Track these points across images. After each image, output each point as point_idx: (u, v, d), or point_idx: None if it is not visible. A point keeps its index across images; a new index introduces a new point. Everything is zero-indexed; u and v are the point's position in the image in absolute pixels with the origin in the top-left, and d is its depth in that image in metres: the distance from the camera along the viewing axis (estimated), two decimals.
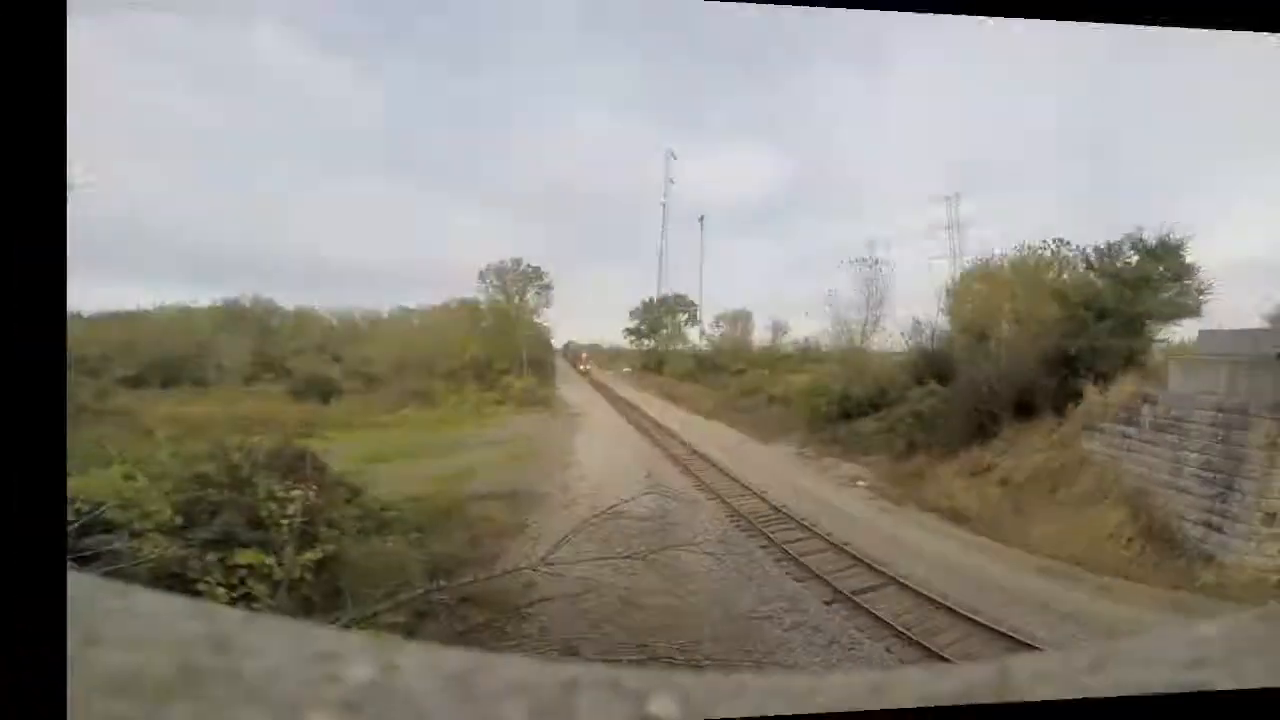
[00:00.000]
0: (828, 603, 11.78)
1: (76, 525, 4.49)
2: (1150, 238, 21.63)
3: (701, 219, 77.47)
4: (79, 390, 22.40)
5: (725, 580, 12.29)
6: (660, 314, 72.24)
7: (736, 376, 52.64)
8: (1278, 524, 12.84)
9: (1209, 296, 21.32)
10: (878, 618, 11.23)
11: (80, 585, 0.50)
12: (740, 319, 64.54)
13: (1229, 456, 13.94)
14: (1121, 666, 0.46)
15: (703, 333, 69.19)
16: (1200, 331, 19.41)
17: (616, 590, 9.64)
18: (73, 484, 4.73)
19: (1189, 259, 21.37)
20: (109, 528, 4.93)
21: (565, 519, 13.93)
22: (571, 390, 55.39)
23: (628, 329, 75.70)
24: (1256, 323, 23.28)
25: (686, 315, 71.55)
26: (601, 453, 25.93)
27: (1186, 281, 21.50)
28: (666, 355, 67.75)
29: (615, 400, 45.44)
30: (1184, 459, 15.09)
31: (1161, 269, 21.43)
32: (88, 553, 4.58)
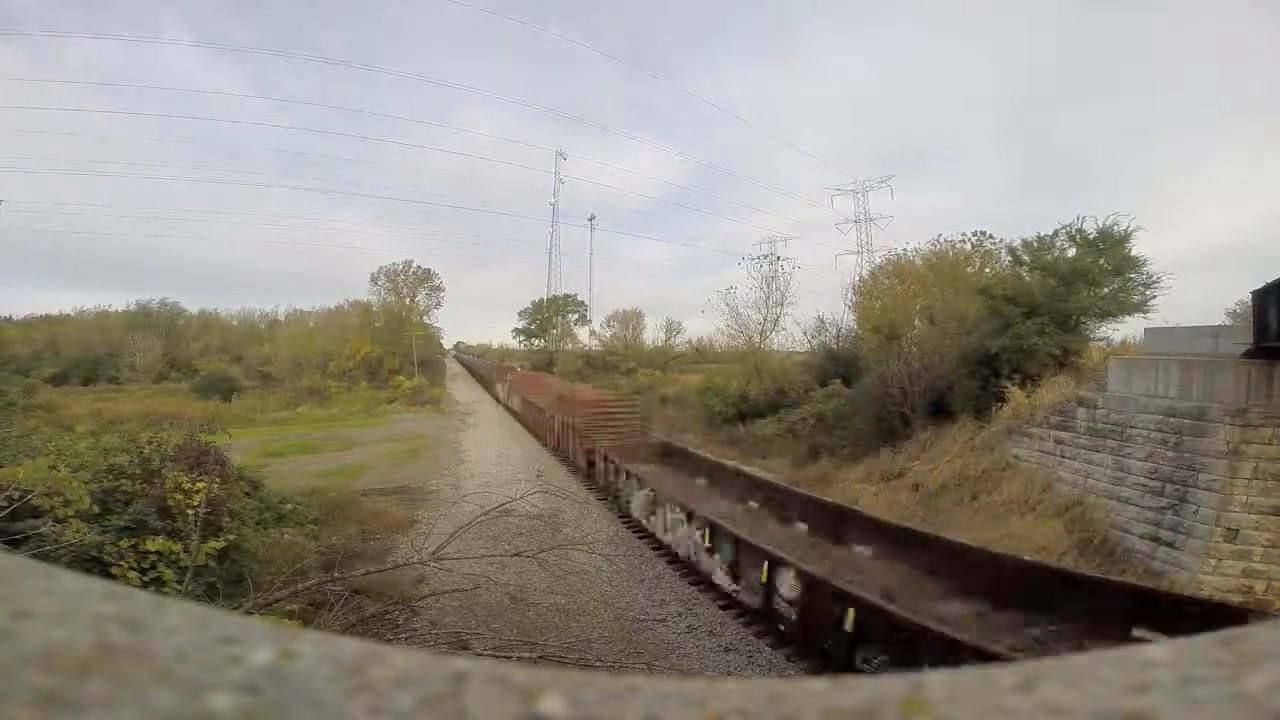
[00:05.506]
0: (724, 606, 11.58)
1: (9, 510, 5.18)
2: (1090, 228, 20.24)
3: (592, 218, 77.46)
4: (9, 387, 21.53)
5: (616, 581, 12.32)
6: (550, 314, 71.51)
7: (627, 376, 52.90)
8: (1241, 540, 11.60)
9: (1158, 291, 19.77)
10: (777, 624, 10.67)
11: (11, 564, 0.53)
12: (631, 318, 65.37)
13: (1181, 465, 12.82)
14: (1053, 686, 0.42)
15: (593, 332, 69.69)
16: (1147, 329, 18.43)
17: (506, 587, 9.67)
18: (6, 473, 5.42)
19: (1134, 250, 19.82)
20: (36, 513, 5.59)
21: (455, 515, 13.87)
22: (461, 389, 54.92)
23: (517, 329, 76.49)
24: (1220, 319, 22.04)
25: (577, 315, 71.66)
26: (491, 451, 25.84)
27: (1131, 275, 19.99)
28: (556, 355, 66.47)
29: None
30: (1127, 466, 14.03)
31: (1102, 262, 19.86)
32: (19, 535, 5.29)
